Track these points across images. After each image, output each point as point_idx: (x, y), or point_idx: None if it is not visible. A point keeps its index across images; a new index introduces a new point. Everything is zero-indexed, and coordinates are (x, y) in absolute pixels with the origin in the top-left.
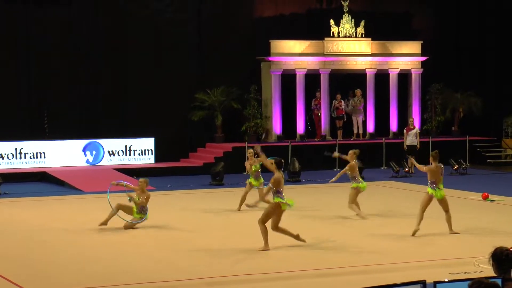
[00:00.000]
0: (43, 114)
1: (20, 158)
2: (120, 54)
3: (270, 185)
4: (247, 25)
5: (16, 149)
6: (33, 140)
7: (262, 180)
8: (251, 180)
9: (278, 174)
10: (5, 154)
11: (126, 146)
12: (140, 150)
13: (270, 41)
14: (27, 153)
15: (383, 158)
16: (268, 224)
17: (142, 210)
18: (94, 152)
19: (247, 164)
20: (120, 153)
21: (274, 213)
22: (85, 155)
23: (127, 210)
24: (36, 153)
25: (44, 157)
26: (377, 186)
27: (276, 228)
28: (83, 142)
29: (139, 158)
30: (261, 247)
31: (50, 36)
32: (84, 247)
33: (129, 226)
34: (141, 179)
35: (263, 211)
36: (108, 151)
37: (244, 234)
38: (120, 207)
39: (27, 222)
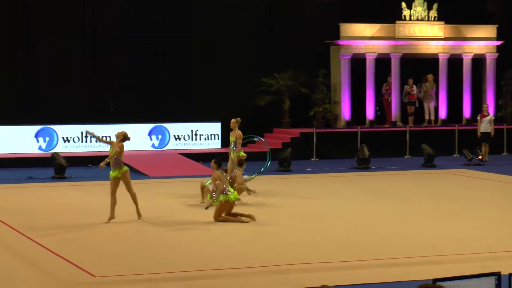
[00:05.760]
0: (109, 98)
1: (86, 142)
2: (186, 38)
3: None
4: (316, 8)
5: (81, 133)
6: (99, 124)
7: None
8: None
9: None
10: (70, 137)
11: (192, 131)
12: (206, 134)
13: (339, 24)
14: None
15: (456, 145)
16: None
17: None
18: (160, 137)
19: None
20: (186, 137)
21: None
22: (151, 139)
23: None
24: (102, 137)
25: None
26: (450, 174)
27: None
28: (149, 126)
29: (205, 143)
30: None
31: (114, 22)
32: (147, 234)
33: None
34: None
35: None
36: (174, 136)
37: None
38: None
39: (90, 206)
